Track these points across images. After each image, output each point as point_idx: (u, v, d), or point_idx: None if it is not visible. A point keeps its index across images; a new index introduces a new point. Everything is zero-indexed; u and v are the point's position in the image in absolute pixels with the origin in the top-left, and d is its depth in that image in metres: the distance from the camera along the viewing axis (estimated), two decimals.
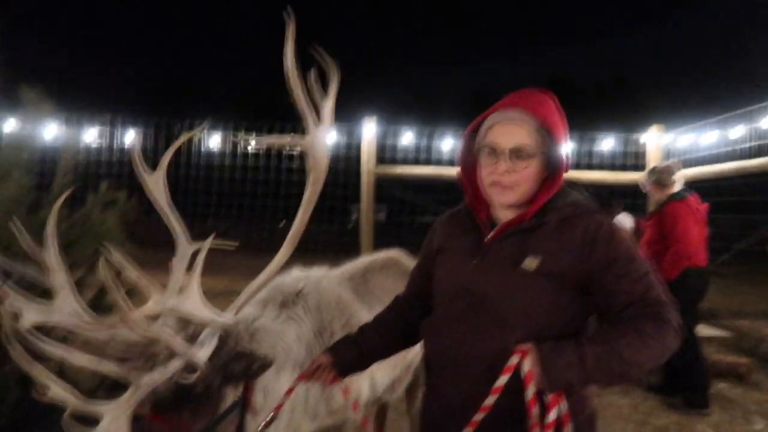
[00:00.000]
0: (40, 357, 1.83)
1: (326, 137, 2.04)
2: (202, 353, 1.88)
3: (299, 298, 2.61)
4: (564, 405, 1.64)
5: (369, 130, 7.89)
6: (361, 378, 2.63)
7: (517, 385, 1.63)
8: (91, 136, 9.46)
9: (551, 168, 1.81)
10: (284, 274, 2.76)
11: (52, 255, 2.16)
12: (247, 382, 2.10)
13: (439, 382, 1.89)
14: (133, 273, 1.66)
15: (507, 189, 1.79)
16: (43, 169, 3.63)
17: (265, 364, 2.03)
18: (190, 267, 2.02)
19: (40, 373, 1.77)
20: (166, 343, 1.68)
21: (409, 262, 3.65)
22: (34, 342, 1.77)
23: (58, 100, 3.63)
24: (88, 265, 3.53)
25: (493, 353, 1.70)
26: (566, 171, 1.84)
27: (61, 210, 3.38)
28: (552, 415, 1.62)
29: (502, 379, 1.64)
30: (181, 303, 1.77)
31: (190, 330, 2.05)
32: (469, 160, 1.94)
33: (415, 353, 3.19)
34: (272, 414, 2.11)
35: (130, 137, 8.97)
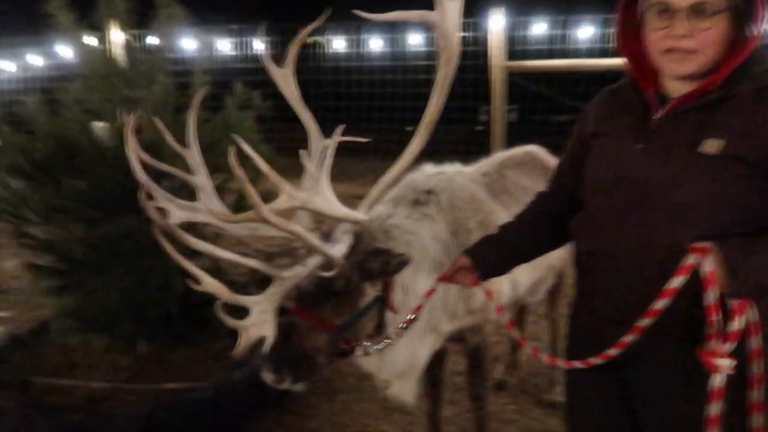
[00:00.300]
0: (193, 253, 1.90)
1: (458, 12, 1.78)
2: (338, 250, 1.84)
3: (431, 196, 2.47)
4: (753, 313, 1.39)
5: (496, 22, 7.27)
6: (502, 278, 2.49)
7: (692, 288, 1.40)
8: (223, 45, 9.77)
9: (742, 25, 1.43)
10: (415, 172, 2.63)
11: (195, 155, 2.21)
12: (385, 280, 2.06)
13: (593, 285, 1.68)
14: (263, 166, 1.61)
15: (685, 56, 1.45)
16: (183, 76, 3.74)
17: (402, 262, 1.96)
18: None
19: (191, 267, 1.84)
20: (301, 238, 1.65)
21: (549, 158, 3.35)
22: (184, 238, 1.82)
23: (190, 13, 3.67)
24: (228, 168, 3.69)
25: (662, 252, 1.46)
26: (762, 27, 1.45)
27: (200, 113, 3.54)
28: (736, 324, 1.38)
29: (676, 281, 1.41)
30: (312, 198, 1.72)
31: (324, 228, 2.03)
32: (626, 27, 1.60)
33: (558, 254, 2.99)
34: (413, 315, 2.07)
35: (260, 45, 9.12)
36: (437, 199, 2.47)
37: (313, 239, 1.71)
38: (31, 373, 3.29)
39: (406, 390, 2.36)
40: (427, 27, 1.74)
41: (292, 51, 2.07)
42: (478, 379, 2.72)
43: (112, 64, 3.36)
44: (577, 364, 1.69)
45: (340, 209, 1.78)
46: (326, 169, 1.79)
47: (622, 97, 1.68)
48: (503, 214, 2.67)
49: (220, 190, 3.51)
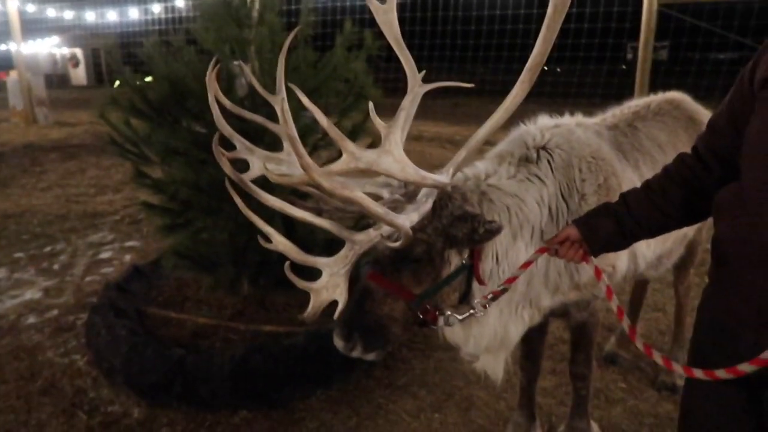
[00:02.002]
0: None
1: None
2: (407, 218, 1.63)
3: (544, 153, 2.15)
4: None
5: None
6: (619, 251, 2.15)
7: None
8: None
9: None
10: (529, 124, 2.31)
11: (280, 102, 2.09)
12: (474, 248, 1.83)
13: (733, 279, 1.34)
14: (323, 121, 1.43)
15: None
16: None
17: (490, 230, 1.71)
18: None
19: (261, 223, 1.75)
20: (360, 204, 1.47)
21: (697, 107, 2.83)
22: (256, 193, 1.72)
23: None
24: (338, 111, 3.57)
25: None
26: None
27: (308, 54, 3.43)
28: None
29: None
30: (380, 159, 1.50)
31: (411, 188, 1.83)
32: None
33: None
34: (503, 286, 1.84)
35: None
36: (550, 156, 2.15)
37: (375, 207, 1.51)
38: (146, 303, 3.53)
39: (494, 365, 2.16)
40: None
41: None
42: (582, 356, 2.45)
43: (226, 4, 3.32)
44: (699, 374, 1.38)
45: (412, 171, 1.56)
46: (400, 125, 1.56)
47: None
48: (631, 176, 2.30)
49: (325, 135, 3.44)
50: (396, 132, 1.51)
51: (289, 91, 1.83)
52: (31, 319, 3.86)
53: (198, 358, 2.86)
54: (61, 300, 4.17)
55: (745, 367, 1.26)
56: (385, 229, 1.69)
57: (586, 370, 2.46)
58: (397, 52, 1.89)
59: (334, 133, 1.44)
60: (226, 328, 3.24)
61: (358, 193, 1.45)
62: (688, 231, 2.60)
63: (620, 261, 2.21)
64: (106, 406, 2.92)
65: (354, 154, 1.46)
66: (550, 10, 1.49)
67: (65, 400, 2.96)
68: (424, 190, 1.74)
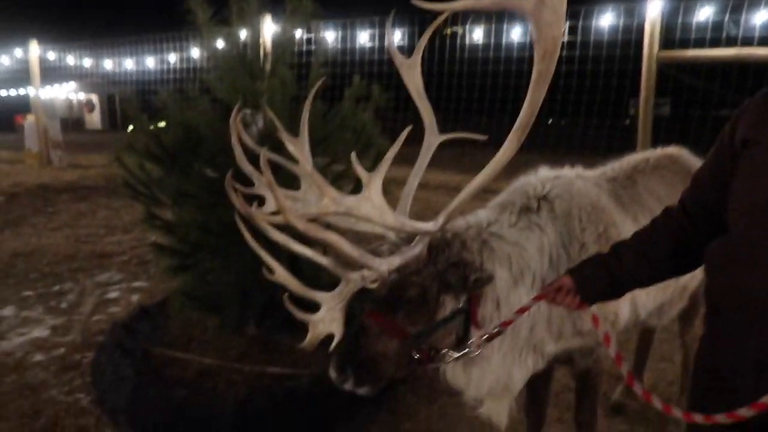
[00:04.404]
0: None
1: None
2: (387, 261, 1.73)
3: (545, 203, 2.22)
4: None
5: (654, 7, 6.60)
6: (619, 300, 2.19)
7: None
8: (363, 37, 9.89)
9: None
10: (530, 175, 2.40)
11: (303, 143, 2.18)
12: (471, 294, 1.89)
13: (728, 328, 1.38)
14: (307, 168, 1.53)
15: None
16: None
17: (480, 279, 1.81)
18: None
19: (265, 256, 1.85)
20: (336, 247, 1.57)
21: (695, 161, 2.91)
22: (262, 226, 1.79)
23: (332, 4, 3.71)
24: (347, 158, 3.68)
25: None
26: None
27: (317, 105, 3.57)
28: None
29: None
30: (359, 204, 1.59)
31: (405, 235, 1.91)
32: None
33: (691, 275, 2.59)
34: (497, 329, 1.89)
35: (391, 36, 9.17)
36: (551, 206, 2.22)
37: (349, 249, 1.62)
38: (152, 343, 3.55)
39: (498, 411, 2.17)
40: (519, 16, 1.47)
41: (421, 42, 2.01)
42: (586, 404, 2.45)
43: (241, 57, 3.48)
44: (699, 419, 1.41)
45: (391, 218, 1.65)
46: (380, 174, 1.66)
47: None
48: (630, 227, 2.35)
49: (339, 179, 3.55)
50: (377, 180, 1.61)
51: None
52: (38, 357, 3.88)
53: (201, 400, 2.87)
54: (68, 338, 4.20)
55: (745, 412, 1.29)
56: (359, 275, 1.77)
57: (590, 418, 2.45)
58: (418, 104, 2.02)
59: (317, 179, 1.53)
60: (230, 370, 3.25)
61: (332, 235, 1.55)
62: (688, 283, 2.64)
63: (622, 309, 2.25)
64: None
65: (335, 199, 1.56)
66: (534, 75, 1.58)
67: None
68: (417, 237, 1.82)
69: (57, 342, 4.13)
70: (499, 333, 1.88)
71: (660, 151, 2.94)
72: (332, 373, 1.82)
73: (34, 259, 6.18)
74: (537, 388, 2.55)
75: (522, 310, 1.88)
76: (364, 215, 1.60)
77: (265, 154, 1.87)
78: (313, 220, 1.71)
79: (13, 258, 6.20)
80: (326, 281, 2.94)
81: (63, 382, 3.54)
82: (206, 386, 3.11)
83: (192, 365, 3.32)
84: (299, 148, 2.16)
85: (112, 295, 5.19)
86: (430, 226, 1.78)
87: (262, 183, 2.16)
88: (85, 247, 6.73)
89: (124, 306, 4.88)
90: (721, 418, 1.34)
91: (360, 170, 1.64)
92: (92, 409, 3.22)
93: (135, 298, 5.08)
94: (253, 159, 2.21)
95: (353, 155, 1.64)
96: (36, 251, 6.48)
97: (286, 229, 1.81)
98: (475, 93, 10.75)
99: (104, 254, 6.47)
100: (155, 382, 3.03)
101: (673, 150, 2.98)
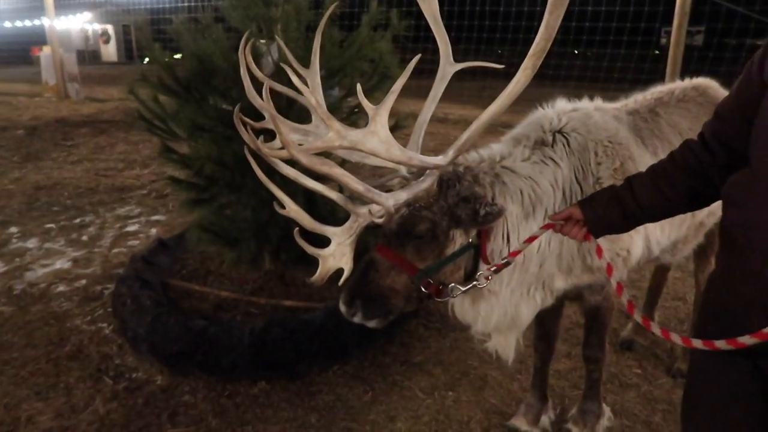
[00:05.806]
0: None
1: None
2: (393, 195, 1.70)
3: (560, 136, 2.15)
4: None
5: None
6: (632, 234, 2.15)
7: None
8: None
9: None
10: (546, 107, 2.32)
11: (314, 75, 2.12)
12: (481, 228, 1.87)
13: (743, 265, 1.34)
14: (312, 100, 1.48)
15: None
16: None
17: (491, 213, 1.77)
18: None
19: (276, 191, 1.84)
20: (341, 181, 1.56)
21: (723, 94, 2.76)
22: (272, 161, 1.77)
23: None
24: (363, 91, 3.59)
25: None
26: None
27: (333, 33, 3.44)
28: None
29: None
30: (364, 138, 1.55)
31: (415, 169, 1.87)
32: None
33: (708, 212, 2.53)
34: (506, 259, 1.88)
35: None
36: (566, 139, 2.15)
37: (355, 183, 1.59)
38: (171, 275, 3.63)
39: (505, 345, 2.20)
40: None
41: None
42: (595, 340, 2.46)
43: None
44: (698, 344, 1.40)
45: (398, 151, 1.60)
46: (388, 107, 1.59)
47: None
48: (648, 161, 2.27)
49: (356, 112, 3.48)
50: (383, 113, 1.56)
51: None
52: (61, 288, 4.01)
53: (219, 329, 2.95)
54: (89, 270, 4.32)
55: (746, 339, 1.27)
56: (366, 208, 1.76)
57: (599, 353, 2.48)
58: (434, 30, 1.91)
59: (321, 112, 1.48)
60: (247, 302, 3.33)
61: (336, 169, 1.52)
62: (705, 219, 2.58)
63: (635, 245, 2.22)
64: (131, 372, 3.04)
65: (340, 133, 1.51)
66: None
67: (92, 366, 3.09)
68: (427, 171, 1.78)
69: (79, 273, 4.25)
70: (507, 264, 1.88)
71: (687, 83, 2.81)
72: (342, 306, 1.85)
73: (56, 192, 6.28)
74: (547, 323, 2.57)
75: (530, 240, 1.87)
76: (370, 149, 1.56)
77: (268, 84, 1.82)
78: (320, 154, 1.67)
79: (36, 191, 6.31)
80: (342, 216, 2.97)
81: (86, 312, 3.66)
82: (224, 318, 3.20)
83: (209, 298, 3.40)
84: (310, 78, 2.10)
85: (132, 228, 5.29)
86: (439, 159, 1.74)
87: (272, 117, 2.11)
88: (105, 181, 6.81)
89: (142, 239, 4.98)
90: (720, 344, 1.33)
91: (365, 103, 1.59)
92: (114, 337, 3.34)
93: (153, 231, 5.17)
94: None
95: (358, 87, 1.58)
96: (57, 184, 6.58)
97: (298, 163, 1.79)
98: (499, 21, 10.32)
99: (123, 188, 6.55)
100: (174, 312, 3.11)
101: (701, 81, 2.84)
